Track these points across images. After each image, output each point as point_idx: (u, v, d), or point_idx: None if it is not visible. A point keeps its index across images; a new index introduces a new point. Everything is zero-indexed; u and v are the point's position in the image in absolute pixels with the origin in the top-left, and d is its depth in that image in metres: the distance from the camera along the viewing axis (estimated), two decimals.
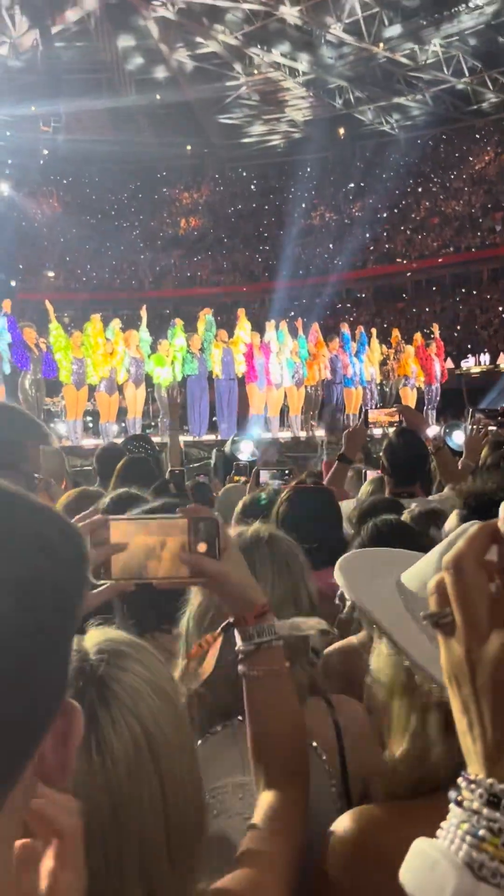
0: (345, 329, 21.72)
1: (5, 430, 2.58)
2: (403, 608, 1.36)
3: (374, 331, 23.15)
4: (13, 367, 15.94)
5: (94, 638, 1.18)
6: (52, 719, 0.75)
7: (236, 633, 1.55)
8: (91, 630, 1.22)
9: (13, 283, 42.10)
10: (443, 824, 0.80)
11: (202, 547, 1.50)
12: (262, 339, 18.81)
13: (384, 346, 22.65)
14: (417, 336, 22.36)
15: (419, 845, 0.81)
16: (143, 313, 18.72)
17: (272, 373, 18.67)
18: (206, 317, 18.53)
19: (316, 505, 3.53)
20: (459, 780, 0.80)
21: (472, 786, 0.79)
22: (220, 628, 1.58)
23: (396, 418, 5.89)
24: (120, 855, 1.04)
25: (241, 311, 19.63)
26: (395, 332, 22.71)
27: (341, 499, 4.96)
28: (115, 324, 17.58)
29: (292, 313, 40.37)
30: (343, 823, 1.42)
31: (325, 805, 1.74)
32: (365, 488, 5.91)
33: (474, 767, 0.80)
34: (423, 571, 1.34)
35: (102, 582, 1.56)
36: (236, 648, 1.55)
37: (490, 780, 0.77)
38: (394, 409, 6.26)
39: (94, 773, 1.04)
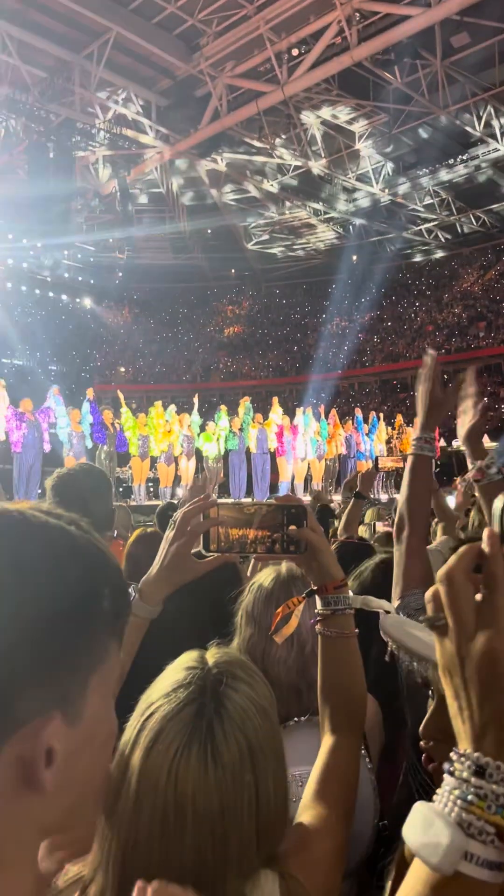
0: (358, 413, 21.72)
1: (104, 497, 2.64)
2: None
3: (381, 415, 23.11)
4: (94, 442, 16.14)
5: (214, 658, 1.19)
6: (21, 718, 0.80)
7: (317, 598, 1.57)
8: (212, 647, 1.24)
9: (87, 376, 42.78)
10: (438, 790, 0.81)
11: (292, 528, 1.51)
12: (292, 422, 18.87)
13: (389, 427, 22.59)
14: (417, 420, 22.34)
15: (419, 807, 0.81)
16: (196, 400, 18.88)
17: (298, 448, 18.67)
18: (245, 404, 18.65)
19: (358, 556, 3.48)
20: (451, 754, 0.81)
21: (462, 759, 0.79)
22: (304, 594, 1.59)
23: (401, 464, 5.83)
24: (225, 843, 1.05)
25: (275, 399, 19.74)
26: (399, 417, 22.67)
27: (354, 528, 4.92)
28: (172, 408, 17.75)
29: (314, 401, 40.59)
30: None
31: (364, 786, 1.70)
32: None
33: (464, 744, 0.81)
34: None
35: (211, 553, 1.58)
36: (315, 611, 1.57)
37: (476, 754, 0.78)
38: (399, 457, 6.19)
39: (208, 775, 1.05)
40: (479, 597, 0.84)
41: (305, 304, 52.78)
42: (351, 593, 1.61)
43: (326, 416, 20.36)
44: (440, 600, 0.86)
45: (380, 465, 5.89)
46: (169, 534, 1.68)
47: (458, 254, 48.55)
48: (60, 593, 0.83)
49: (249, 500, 18.78)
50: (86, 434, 15.86)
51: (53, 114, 27.49)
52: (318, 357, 42.75)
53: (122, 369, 49.94)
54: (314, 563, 1.56)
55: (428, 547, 4.85)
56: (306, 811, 1.36)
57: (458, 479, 5.36)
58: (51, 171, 26.82)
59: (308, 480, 19.33)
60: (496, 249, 46.59)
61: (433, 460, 2.53)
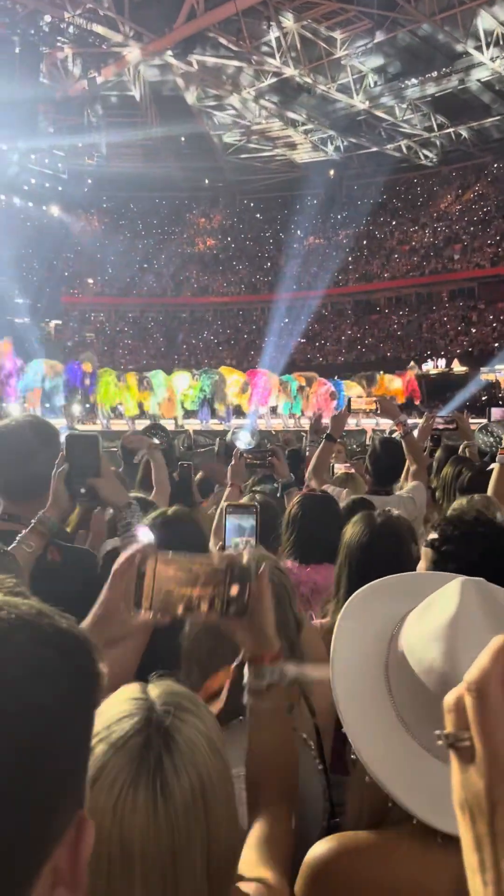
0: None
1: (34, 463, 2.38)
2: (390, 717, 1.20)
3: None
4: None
5: (158, 690, 1.07)
6: (61, 834, 0.66)
7: (247, 668, 1.39)
8: (154, 682, 1.10)
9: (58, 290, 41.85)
10: None
11: (234, 588, 1.34)
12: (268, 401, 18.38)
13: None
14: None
15: None
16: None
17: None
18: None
19: (321, 509, 3.37)
20: None
21: None
22: (233, 665, 1.43)
23: (374, 406, 5.63)
24: (176, 885, 0.96)
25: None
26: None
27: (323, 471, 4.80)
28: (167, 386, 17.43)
29: (286, 319, 40.19)
30: (317, 850, 1.26)
31: (314, 786, 1.62)
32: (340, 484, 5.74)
33: None
34: (424, 644, 1.16)
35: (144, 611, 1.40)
36: (245, 682, 1.39)
37: None
38: (373, 399, 5.97)
39: (157, 812, 0.95)
40: None
41: (279, 219, 51.64)
42: (287, 665, 1.42)
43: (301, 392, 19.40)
44: (465, 713, 0.65)
45: (352, 407, 5.68)
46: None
47: (437, 173, 47.57)
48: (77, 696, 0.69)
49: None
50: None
51: (20, 5, 25.98)
52: (289, 275, 42.10)
53: (90, 280, 48.88)
54: (253, 629, 1.37)
55: (398, 493, 4.80)
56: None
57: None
58: (16, 67, 25.46)
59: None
60: (476, 168, 45.69)
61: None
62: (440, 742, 0.66)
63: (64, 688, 0.67)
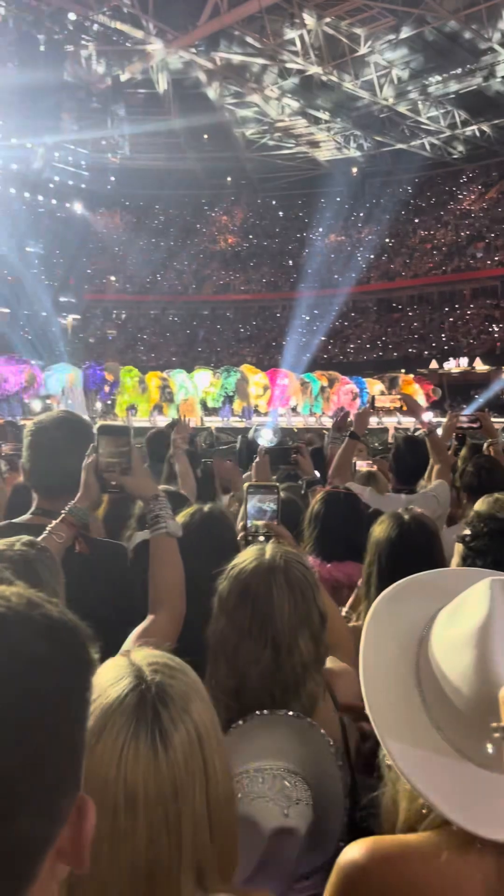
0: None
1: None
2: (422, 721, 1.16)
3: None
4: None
5: (142, 655, 1.15)
6: (64, 817, 0.69)
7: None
8: (136, 650, 1.17)
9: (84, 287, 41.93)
10: None
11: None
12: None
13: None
14: None
15: None
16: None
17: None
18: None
19: (344, 506, 3.34)
20: None
21: None
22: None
23: (399, 404, 5.58)
24: (179, 830, 1.02)
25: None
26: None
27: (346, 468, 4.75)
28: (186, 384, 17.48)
29: (307, 317, 40.10)
30: (351, 853, 1.23)
31: (335, 786, 1.57)
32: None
33: None
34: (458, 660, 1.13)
35: None
36: None
37: None
38: (397, 396, 5.92)
39: (159, 760, 1.02)
40: None
41: (301, 217, 51.54)
42: None
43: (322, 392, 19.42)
44: None
45: (376, 404, 5.58)
46: None
47: (460, 170, 47.26)
48: (72, 684, 0.72)
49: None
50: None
51: (45, 3, 26.07)
52: (311, 273, 42.00)
53: (112, 278, 49.05)
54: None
55: (422, 491, 4.74)
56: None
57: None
58: (41, 65, 25.59)
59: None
60: (499, 166, 45.31)
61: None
62: (497, 735, 0.66)
63: (59, 677, 0.69)
